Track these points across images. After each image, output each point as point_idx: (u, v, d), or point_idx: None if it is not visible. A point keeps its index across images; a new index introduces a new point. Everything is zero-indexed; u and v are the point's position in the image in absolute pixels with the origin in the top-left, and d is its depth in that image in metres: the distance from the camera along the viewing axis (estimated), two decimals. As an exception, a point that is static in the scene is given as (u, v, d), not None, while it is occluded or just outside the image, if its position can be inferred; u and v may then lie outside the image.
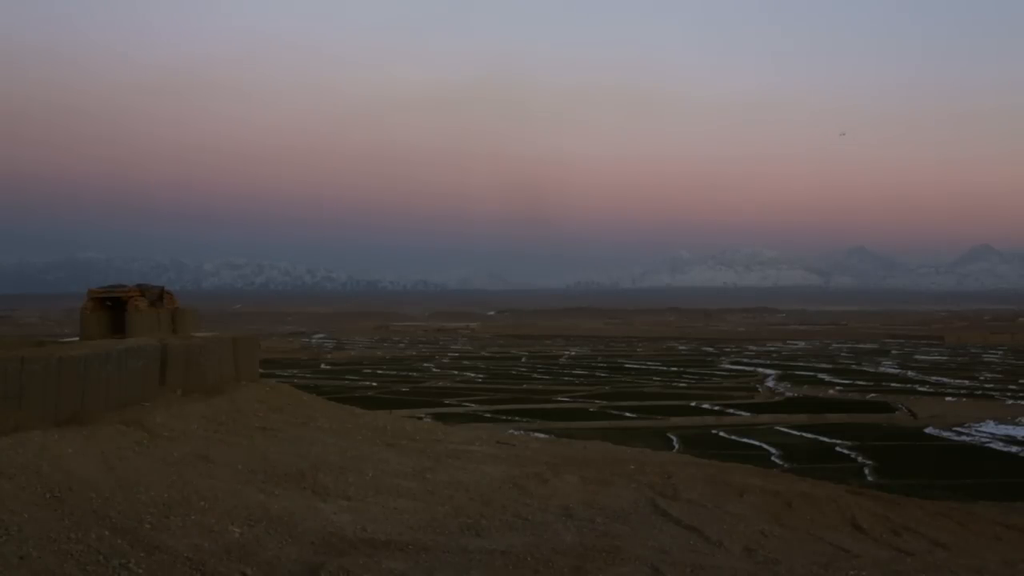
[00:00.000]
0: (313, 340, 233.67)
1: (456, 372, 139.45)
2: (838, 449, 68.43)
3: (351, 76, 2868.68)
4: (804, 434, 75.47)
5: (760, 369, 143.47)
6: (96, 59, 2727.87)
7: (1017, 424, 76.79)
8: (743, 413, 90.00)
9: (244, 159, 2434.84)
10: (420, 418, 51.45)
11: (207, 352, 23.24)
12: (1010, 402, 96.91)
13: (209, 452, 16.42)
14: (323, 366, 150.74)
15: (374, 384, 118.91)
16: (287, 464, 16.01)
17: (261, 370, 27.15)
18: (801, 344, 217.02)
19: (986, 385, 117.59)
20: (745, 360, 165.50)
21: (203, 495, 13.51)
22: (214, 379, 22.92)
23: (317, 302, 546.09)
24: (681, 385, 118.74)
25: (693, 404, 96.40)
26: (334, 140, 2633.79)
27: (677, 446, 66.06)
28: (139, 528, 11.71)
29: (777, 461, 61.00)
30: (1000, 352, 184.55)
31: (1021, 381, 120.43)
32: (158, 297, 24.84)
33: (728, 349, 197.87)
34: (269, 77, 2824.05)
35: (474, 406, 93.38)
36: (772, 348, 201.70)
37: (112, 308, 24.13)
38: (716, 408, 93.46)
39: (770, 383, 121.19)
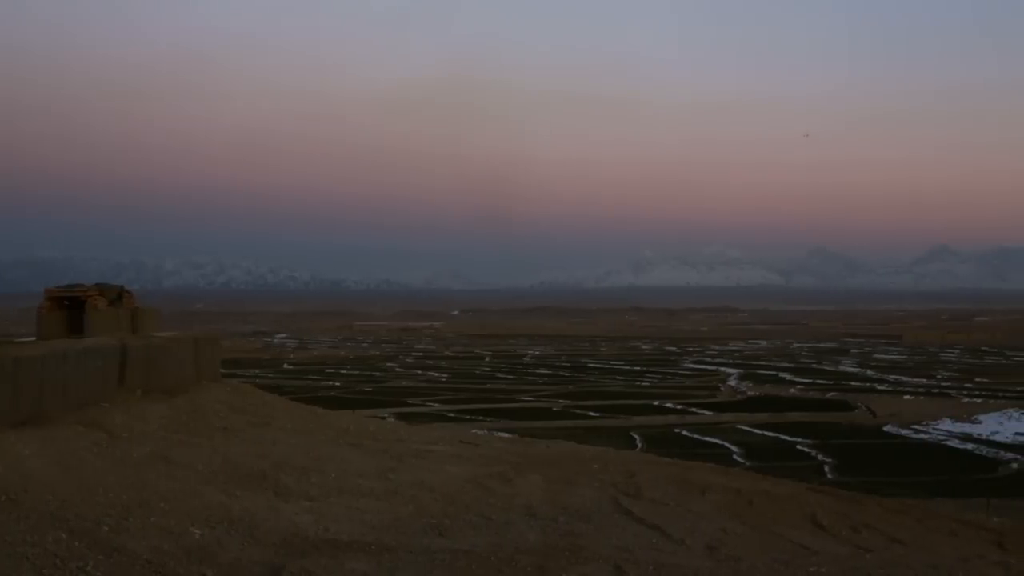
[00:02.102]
0: (275, 340, 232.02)
1: (420, 372, 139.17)
2: (799, 447, 69.11)
3: (315, 76, 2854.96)
4: (765, 433, 76.14)
5: (722, 368, 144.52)
6: (58, 56, 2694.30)
7: (973, 422, 77.96)
8: (705, 412, 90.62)
9: (207, 158, 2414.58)
10: (383, 418, 51.35)
11: (167, 352, 23.00)
12: (966, 400, 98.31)
13: (169, 453, 16.25)
14: (286, 366, 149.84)
15: (337, 384, 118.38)
16: (249, 465, 15.89)
17: (223, 370, 26.91)
18: (763, 343, 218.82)
19: (943, 384, 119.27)
20: (707, 359, 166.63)
21: (163, 496, 13.37)
22: (174, 379, 22.68)
23: (280, 302, 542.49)
24: (644, 384, 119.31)
25: (656, 403, 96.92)
26: (297, 140, 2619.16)
27: (640, 445, 66.37)
28: (97, 530, 11.57)
29: (739, 459, 61.49)
30: (957, 351, 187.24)
31: (977, 380, 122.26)
32: (117, 296, 24.52)
33: (691, 348, 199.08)
34: (233, 75, 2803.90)
35: (438, 406, 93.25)
36: (734, 347, 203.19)
37: (70, 308, 23.80)
38: (679, 407, 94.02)
39: (732, 382, 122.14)
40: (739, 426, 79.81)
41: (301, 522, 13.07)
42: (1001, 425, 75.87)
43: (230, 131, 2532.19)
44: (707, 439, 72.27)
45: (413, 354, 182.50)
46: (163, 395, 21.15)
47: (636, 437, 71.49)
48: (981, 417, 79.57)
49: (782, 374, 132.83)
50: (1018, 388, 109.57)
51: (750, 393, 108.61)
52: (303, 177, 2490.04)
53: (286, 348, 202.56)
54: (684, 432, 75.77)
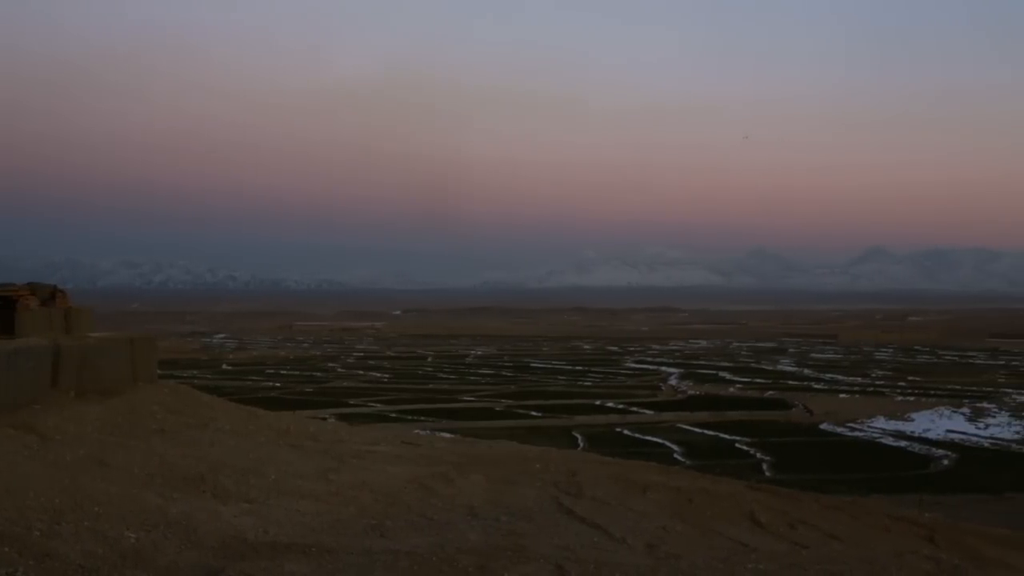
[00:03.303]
0: (214, 340, 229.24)
1: (361, 372, 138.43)
2: (738, 446, 70.04)
3: (255, 74, 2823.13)
4: (705, 431, 77.04)
5: (663, 368, 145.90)
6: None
7: (906, 420, 79.71)
8: (646, 411, 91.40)
9: (143, 155, 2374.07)
10: (324, 419, 50.86)
11: (102, 353, 22.54)
12: (899, 398, 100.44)
13: (104, 456, 15.93)
14: (224, 367, 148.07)
15: (277, 384, 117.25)
16: (186, 467, 15.64)
17: (160, 371, 26.44)
18: (703, 343, 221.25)
19: (877, 382, 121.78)
20: (649, 359, 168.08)
21: (97, 500, 13.10)
22: (110, 381, 22.23)
23: (219, 302, 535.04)
24: (586, 384, 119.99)
25: (598, 403, 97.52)
26: (238, 136, 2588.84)
27: (582, 444, 66.73)
28: (28, 535, 11.29)
29: (679, 458, 62.14)
30: (890, 350, 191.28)
31: (910, 378, 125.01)
32: (50, 296, 23.97)
33: (632, 348, 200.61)
34: (169, 71, 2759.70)
35: (380, 406, 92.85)
36: (675, 347, 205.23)
37: (0, 308, 23.22)
38: (620, 406, 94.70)
39: (673, 381, 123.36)
40: (680, 425, 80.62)
41: (240, 525, 12.89)
42: (933, 423, 77.69)
43: (169, 128, 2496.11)
44: (648, 438, 72.90)
45: (354, 354, 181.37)
46: (98, 397, 20.73)
47: (578, 436, 71.87)
48: (914, 415, 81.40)
49: (722, 373, 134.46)
50: (949, 386, 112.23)
51: (690, 392, 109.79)
52: (243, 176, 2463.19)
53: (225, 349, 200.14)
54: (625, 431, 76.34)
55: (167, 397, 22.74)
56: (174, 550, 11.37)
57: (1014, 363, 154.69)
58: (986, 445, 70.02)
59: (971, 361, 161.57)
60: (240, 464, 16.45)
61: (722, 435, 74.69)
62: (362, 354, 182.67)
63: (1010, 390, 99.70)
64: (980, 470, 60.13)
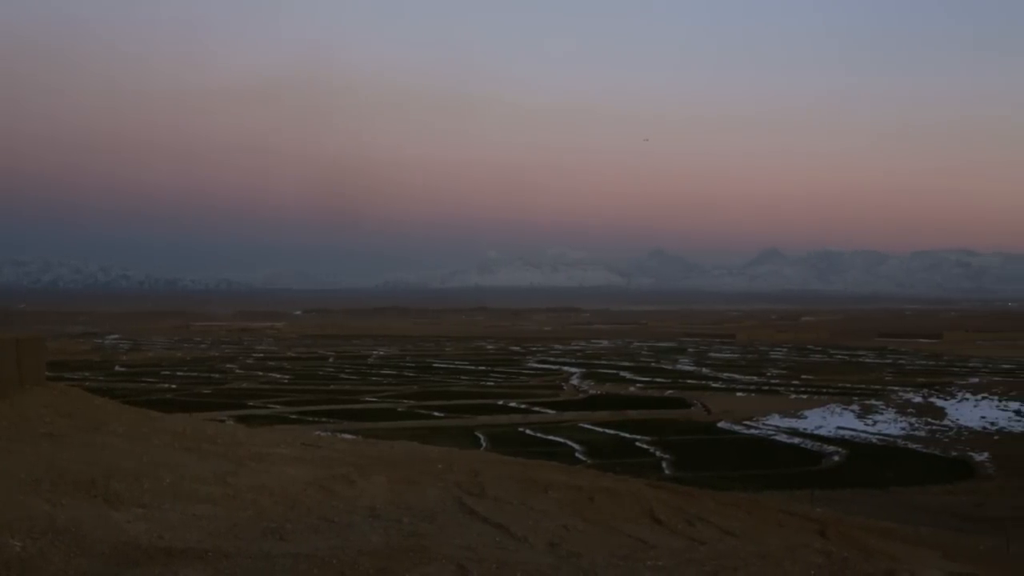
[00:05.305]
0: (106, 341, 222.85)
1: (261, 373, 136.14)
2: (638, 444, 70.90)
3: (155, 71, 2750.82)
4: (606, 430, 77.78)
5: (565, 367, 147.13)
6: None
7: (799, 417, 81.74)
8: (548, 411, 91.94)
9: (31, 150, 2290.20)
10: (222, 421, 49.81)
11: (-13, 354, 21.68)
12: (793, 397, 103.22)
13: (-12, 461, 15.30)
14: (118, 368, 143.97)
15: (173, 386, 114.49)
16: (76, 471, 15.12)
17: (48, 373, 25.57)
18: (604, 343, 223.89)
19: (772, 381, 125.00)
20: (551, 359, 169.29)
21: (-20, 507, 12.58)
22: (-6, 383, 21.40)
23: (111, 302, 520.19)
24: (489, 384, 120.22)
25: (500, 403, 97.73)
26: (133, 134, 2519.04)
27: (485, 444, 66.76)
28: (-95, 545, 10.78)
29: (581, 457, 62.60)
30: (785, 349, 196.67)
31: (803, 377, 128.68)
32: (-70, 295, 22.96)
33: (535, 348, 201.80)
34: (73, 68, 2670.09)
35: (279, 408, 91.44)
36: (577, 347, 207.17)
37: None
38: (523, 406, 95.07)
39: (574, 381, 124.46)
40: (581, 424, 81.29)
41: (133, 530, 12.53)
42: (825, 420, 79.86)
43: (62, 124, 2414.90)
44: (550, 438, 73.30)
45: (254, 355, 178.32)
46: (-19, 400, 19.93)
47: (480, 436, 71.87)
48: (807, 413, 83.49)
49: (622, 373, 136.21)
50: (840, 384, 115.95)
51: (592, 392, 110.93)
52: (139, 174, 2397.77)
53: (118, 350, 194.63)
54: (528, 431, 76.63)
55: (56, 400, 22.00)
56: (62, 558, 10.98)
57: (900, 362, 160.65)
58: (874, 441, 72.33)
59: (860, 360, 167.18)
60: (134, 468, 15.98)
61: (623, 434, 75.53)
62: (262, 355, 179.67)
63: (896, 388, 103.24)
64: (868, 466, 62.04)
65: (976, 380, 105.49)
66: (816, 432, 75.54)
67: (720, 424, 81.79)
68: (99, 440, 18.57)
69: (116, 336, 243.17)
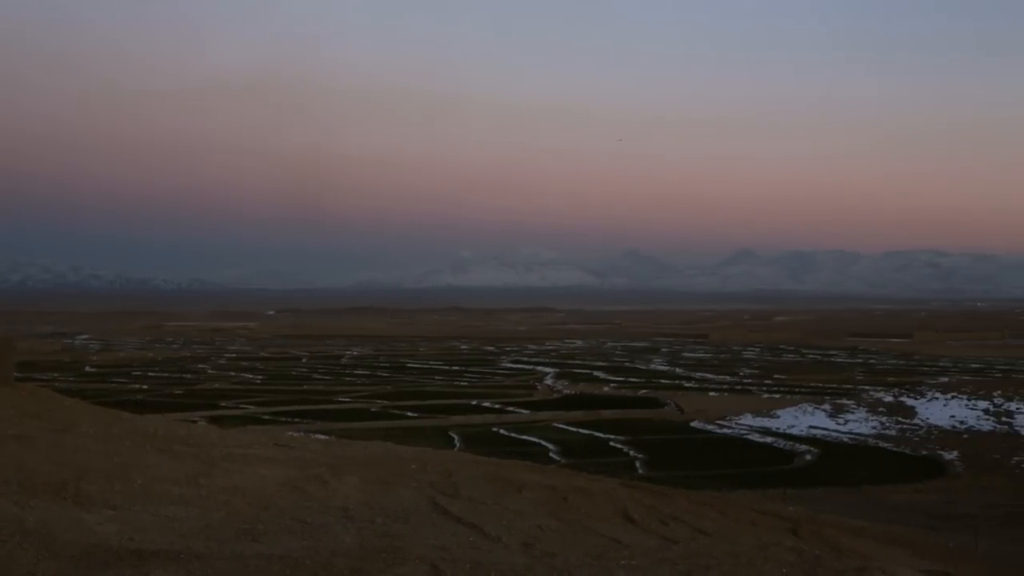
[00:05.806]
0: (76, 341, 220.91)
1: (233, 373, 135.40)
2: (612, 444, 71.09)
3: (124, 69, 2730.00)
4: (580, 430, 77.94)
5: (539, 367, 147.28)
6: None
7: (772, 417, 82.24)
8: (522, 411, 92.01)
9: (1, 148, 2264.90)
10: (194, 421, 49.50)
11: (-46, 354, 21.45)
12: (766, 396, 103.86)
13: (-45, 463, 15.11)
14: (88, 368, 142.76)
15: (145, 387, 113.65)
16: (46, 473, 14.96)
17: (17, 373, 25.30)
18: (578, 343, 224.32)
19: (745, 380, 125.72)
20: (525, 359, 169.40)
21: (-53, 510, 12.43)
22: (-38, 384, 21.17)
23: (82, 301, 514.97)
24: (463, 384, 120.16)
25: (474, 403, 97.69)
26: (104, 133, 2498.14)
27: (459, 444, 66.73)
28: None
29: (555, 457, 62.71)
30: (757, 349, 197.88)
31: (776, 376, 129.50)
32: None
33: (509, 348, 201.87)
34: (39, 63, 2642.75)
35: (252, 408, 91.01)
36: (551, 347, 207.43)
37: None
38: (497, 406, 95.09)
39: (548, 381, 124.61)
40: (555, 424, 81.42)
41: (104, 532, 12.42)
42: (797, 419, 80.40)
43: (31, 121, 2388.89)
44: (524, 437, 73.37)
45: (226, 355, 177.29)
46: (-51, 401, 19.70)
47: (454, 437, 71.84)
48: (779, 412, 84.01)
49: (596, 373, 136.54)
50: (812, 384, 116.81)
51: (566, 392, 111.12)
52: (109, 172, 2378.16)
53: (89, 350, 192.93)
54: (502, 431, 76.67)
55: (25, 400, 21.77)
56: (31, 560, 10.86)
57: (871, 361, 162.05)
58: (846, 440, 72.93)
59: (832, 359, 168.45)
60: (104, 469, 15.84)
61: (596, 434, 75.70)
62: (234, 355, 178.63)
63: (867, 387, 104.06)
64: (840, 464, 62.59)
65: (946, 379, 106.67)
66: (788, 431, 76.05)
67: (693, 424, 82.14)
68: (69, 441, 18.38)
69: (86, 336, 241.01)
